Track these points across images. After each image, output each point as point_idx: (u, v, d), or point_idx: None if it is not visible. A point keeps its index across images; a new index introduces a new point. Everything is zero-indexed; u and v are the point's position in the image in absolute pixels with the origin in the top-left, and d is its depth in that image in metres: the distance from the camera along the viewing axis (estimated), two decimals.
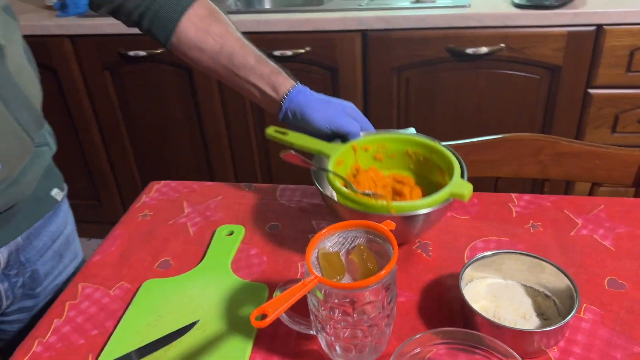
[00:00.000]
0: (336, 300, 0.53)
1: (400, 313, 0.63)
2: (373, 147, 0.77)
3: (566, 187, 1.48)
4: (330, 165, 0.71)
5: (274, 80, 0.76)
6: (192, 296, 0.67)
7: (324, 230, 0.57)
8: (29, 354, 0.62)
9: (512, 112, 1.54)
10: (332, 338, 0.56)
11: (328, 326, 0.55)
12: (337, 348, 0.57)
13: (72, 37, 1.62)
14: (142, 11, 0.77)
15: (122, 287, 0.70)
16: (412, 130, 0.95)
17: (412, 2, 1.53)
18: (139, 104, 1.72)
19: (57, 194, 0.78)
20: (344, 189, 0.67)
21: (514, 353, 0.51)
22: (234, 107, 1.68)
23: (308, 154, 0.75)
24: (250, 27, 1.53)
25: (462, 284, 0.60)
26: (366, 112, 1.60)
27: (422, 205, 0.64)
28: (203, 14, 0.77)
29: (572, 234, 0.73)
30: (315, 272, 0.53)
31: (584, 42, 1.40)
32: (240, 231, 0.78)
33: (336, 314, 0.54)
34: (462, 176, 0.69)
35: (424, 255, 0.72)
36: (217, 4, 0.81)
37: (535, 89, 1.50)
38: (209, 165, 1.81)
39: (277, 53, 1.54)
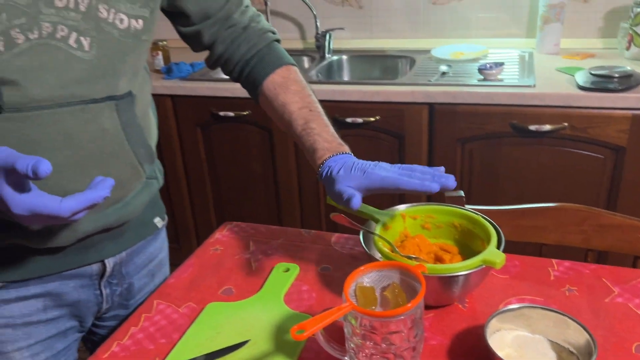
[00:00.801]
0: (367, 327, 0.61)
1: (430, 355, 0.69)
2: (421, 217, 0.86)
3: (609, 258, 1.45)
4: (377, 229, 0.80)
5: (310, 159, 0.82)
6: (247, 319, 0.77)
7: (362, 268, 0.66)
8: (108, 352, 0.74)
9: (575, 190, 1.55)
10: None
11: (360, 353, 0.62)
12: None
13: (173, 97, 1.86)
14: (240, 69, 0.91)
15: (189, 306, 0.82)
16: (461, 192, 1.03)
17: (479, 80, 1.63)
18: (223, 157, 1.91)
19: (159, 222, 0.94)
20: (387, 251, 0.75)
21: None
22: (306, 165, 1.82)
23: (361, 218, 0.85)
24: (329, 96, 1.69)
25: (489, 332, 0.66)
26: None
27: (454, 269, 0.71)
28: (278, 81, 0.88)
29: (606, 300, 0.76)
30: (351, 301, 0.61)
31: None
32: (295, 269, 0.87)
33: (367, 342, 0.61)
34: (498, 247, 0.75)
35: (460, 306, 0.77)
36: (303, 75, 0.95)
37: (600, 168, 1.52)
38: (279, 213, 1.93)
39: (349, 120, 1.68)
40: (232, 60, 0.91)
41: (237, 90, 1.76)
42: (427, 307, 0.77)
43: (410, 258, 0.76)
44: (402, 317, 0.59)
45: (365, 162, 0.75)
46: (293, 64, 0.92)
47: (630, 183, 1.50)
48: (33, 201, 0.60)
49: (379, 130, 1.69)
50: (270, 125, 1.79)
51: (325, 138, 0.81)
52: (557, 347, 0.66)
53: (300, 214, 1.91)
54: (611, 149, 1.49)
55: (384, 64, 2.06)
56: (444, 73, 1.73)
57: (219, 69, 0.95)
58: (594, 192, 1.54)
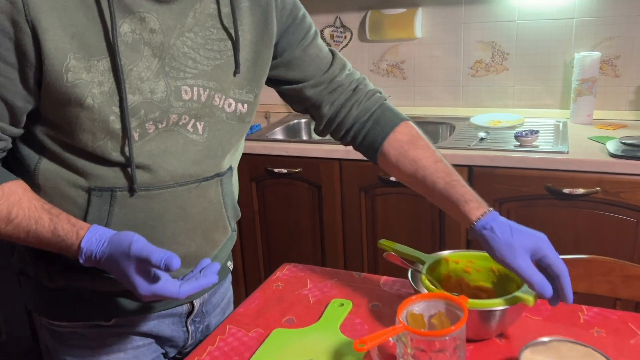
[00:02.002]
0: (417, 347, 0.72)
1: None
2: (463, 261, 0.97)
3: (636, 307, 1.49)
4: (424, 270, 0.92)
5: (461, 210, 0.84)
6: (308, 343, 0.88)
7: (413, 297, 0.78)
8: None
9: (608, 251, 1.62)
10: None
11: None
12: None
13: None
14: (355, 133, 0.94)
15: (257, 331, 0.94)
16: None
17: (515, 146, 1.76)
18: (274, 210, 2.06)
19: (230, 265, 1.07)
20: (432, 287, 0.87)
21: None
22: (351, 219, 1.95)
23: (409, 260, 0.96)
24: None
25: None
26: (469, 239, 1.78)
27: (492, 304, 0.82)
28: (404, 139, 0.91)
29: (632, 341, 0.85)
30: (403, 322, 0.73)
31: None
32: (349, 304, 0.99)
33: (413, 357, 0.72)
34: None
35: (497, 340, 0.87)
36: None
37: (633, 232, 1.59)
38: (324, 262, 2.05)
39: (392, 178, 1.82)
40: (344, 124, 0.94)
41: (290, 149, 1.95)
42: (468, 341, 0.86)
43: (453, 294, 0.87)
44: (447, 338, 0.70)
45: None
46: (408, 119, 0.95)
47: None
48: (157, 287, 0.70)
49: None
50: (319, 182, 1.95)
51: (471, 191, 0.85)
52: None
53: (344, 263, 2.02)
54: None
55: (425, 129, 2.19)
56: (482, 139, 1.86)
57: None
58: (627, 253, 1.61)
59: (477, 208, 0.83)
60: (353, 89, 0.95)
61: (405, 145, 0.91)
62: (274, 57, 0.90)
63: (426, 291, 0.88)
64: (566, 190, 1.62)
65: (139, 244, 0.68)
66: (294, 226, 2.06)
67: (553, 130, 1.92)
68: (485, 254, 0.97)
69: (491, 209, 0.83)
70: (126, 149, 0.77)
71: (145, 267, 0.69)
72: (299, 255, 2.09)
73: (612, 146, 1.63)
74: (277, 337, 0.91)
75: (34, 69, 0.70)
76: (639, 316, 0.91)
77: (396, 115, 0.95)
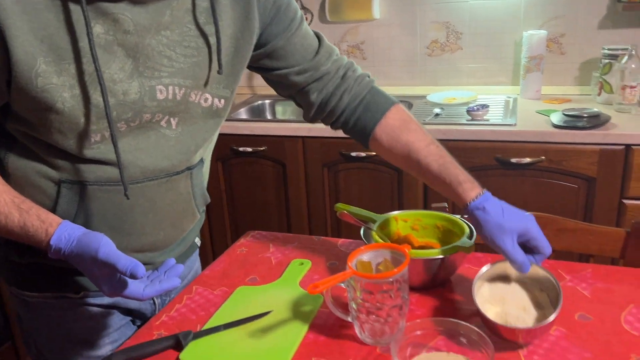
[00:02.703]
0: (365, 290, 0.79)
1: (415, 316, 0.87)
2: (411, 220, 1.05)
3: (566, 257, 1.62)
4: (375, 227, 1.00)
5: (455, 190, 0.87)
6: (270, 298, 0.95)
7: (362, 248, 0.86)
8: (159, 321, 0.93)
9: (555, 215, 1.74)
10: (362, 322, 0.82)
11: (359, 312, 0.81)
12: (366, 331, 0.82)
13: None
14: (346, 118, 0.95)
15: (222, 290, 1.01)
16: (444, 204, 1.24)
17: (467, 120, 1.86)
18: (241, 188, 2.12)
19: (198, 241, 1.11)
20: (382, 242, 0.95)
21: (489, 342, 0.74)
22: (315, 195, 2.03)
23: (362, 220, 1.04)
24: (335, 133, 1.91)
25: (476, 287, 0.82)
26: (427, 207, 1.88)
27: (434, 253, 0.90)
28: (395, 124, 0.92)
29: (561, 283, 0.95)
30: (353, 268, 0.80)
31: (615, 158, 1.63)
32: (308, 263, 1.07)
33: (365, 302, 0.80)
34: (470, 238, 0.95)
35: (441, 289, 0.96)
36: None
37: (575, 197, 1.71)
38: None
39: (353, 154, 1.90)
40: (335, 112, 0.94)
41: (255, 128, 2.00)
42: (413, 289, 0.95)
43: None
44: (391, 280, 0.79)
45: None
46: (398, 103, 0.95)
47: (601, 209, 1.69)
48: (122, 290, 0.72)
49: (380, 164, 1.90)
50: (283, 160, 2.01)
51: (464, 172, 0.87)
52: (530, 288, 0.84)
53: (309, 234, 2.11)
54: (583, 179, 1.69)
55: None
56: (437, 114, 1.96)
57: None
58: (570, 217, 1.73)
59: (470, 189, 0.85)
60: (342, 76, 0.94)
61: (397, 130, 0.92)
62: (257, 48, 0.89)
63: None
64: (514, 160, 1.73)
65: (106, 249, 0.68)
66: (260, 203, 2.12)
67: (503, 105, 2.03)
68: (431, 212, 1.06)
69: (485, 190, 0.86)
70: (96, 147, 0.77)
71: (112, 270, 0.70)
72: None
73: (555, 118, 1.74)
74: (240, 293, 0.98)
75: (3, 72, 0.70)
76: (566, 264, 1.02)
77: (386, 99, 0.95)
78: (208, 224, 2.22)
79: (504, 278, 0.86)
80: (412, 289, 0.94)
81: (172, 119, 0.81)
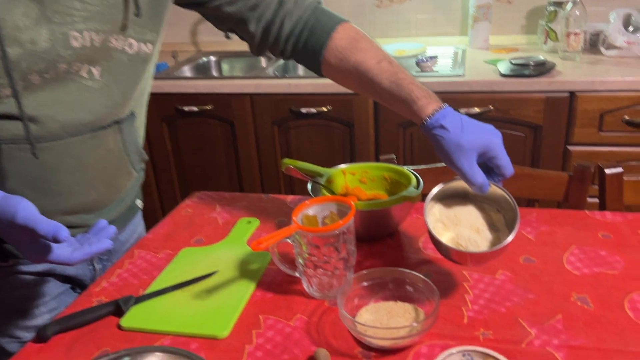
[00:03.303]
0: (311, 243, 0.77)
1: (363, 267, 0.87)
2: (359, 172, 1.03)
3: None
4: (322, 181, 0.98)
5: (410, 108, 0.78)
6: (216, 258, 0.93)
7: (307, 202, 0.83)
8: (100, 287, 0.88)
9: None
10: (310, 277, 0.80)
11: (306, 267, 0.79)
12: (314, 285, 0.81)
13: None
14: (293, 47, 0.89)
15: (166, 252, 0.97)
16: (393, 156, 1.22)
17: (416, 72, 1.84)
18: (189, 150, 2.06)
19: (140, 203, 1.05)
20: (329, 194, 0.93)
21: (433, 287, 0.74)
22: (266, 154, 1.99)
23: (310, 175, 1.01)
24: (285, 89, 1.86)
25: (428, 207, 0.78)
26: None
27: (380, 204, 0.89)
28: (342, 44, 0.85)
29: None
30: (298, 222, 0.78)
31: (560, 106, 1.65)
32: (256, 221, 1.04)
33: (311, 256, 0.78)
34: (417, 188, 0.93)
35: (390, 240, 0.95)
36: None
37: (522, 145, 1.74)
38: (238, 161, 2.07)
39: (304, 110, 1.86)
40: (279, 40, 0.89)
41: (200, 86, 1.93)
42: (361, 240, 0.94)
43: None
44: (336, 232, 0.77)
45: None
46: (346, 21, 0.89)
47: (547, 156, 1.73)
48: (48, 255, 0.66)
49: (331, 119, 1.87)
50: (231, 118, 1.95)
51: (420, 87, 0.79)
52: (485, 208, 0.80)
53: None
54: (530, 127, 1.71)
55: None
56: None
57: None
58: (519, 164, 1.76)
59: (426, 106, 0.77)
60: (279, 1, 0.88)
61: (346, 51, 0.85)
62: None
63: None
64: (463, 111, 1.73)
65: (25, 212, 0.63)
66: (209, 164, 2.06)
67: (452, 56, 2.02)
68: (378, 164, 1.04)
69: (445, 104, 0.77)
70: (7, 101, 0.71)
71: (33, 235, 0.65)
72: None
73: (503, 67, 1.75)
74: (185, 255, 0.94)
75: None
76: None
77: (331, 18, 0.88)
78: (157, 188, 2.15)
79: (459, 197, 0.81)
80: (360, 240, 0.92)
81: (93, 69, 0.75)
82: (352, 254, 0.80)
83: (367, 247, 0.93)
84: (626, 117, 1.61)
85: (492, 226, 0.79)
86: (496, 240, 0.76)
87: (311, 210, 0.83)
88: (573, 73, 1.70)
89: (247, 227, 1.02)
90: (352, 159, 1.90)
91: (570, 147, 1.69)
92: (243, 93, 1.90)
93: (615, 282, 0.80)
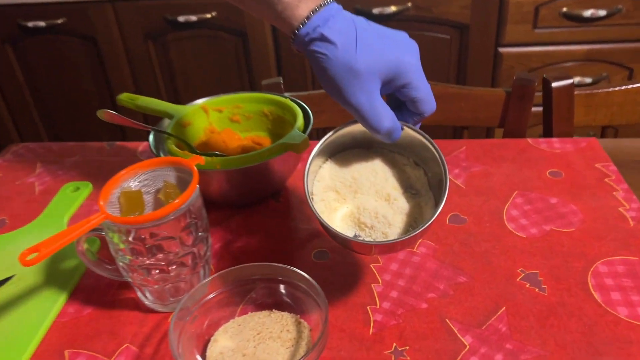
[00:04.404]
0: (133, 239, 0.49)
1: (233, 256, 0.60)
2: (228, 108, 0.74)
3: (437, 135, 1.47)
4: (169, 127, 0.67)
5: (278, 14, 0.48)
6: (14, 252, 0.63)
7: (123, 172, 0.54)
8: None
9: (426, 72, 1.51)
10: (141, 285, 0.53)
11: (133, 271, 0.52)
12: (149, 294, 0.54)
13: None
14: None
15: None
16: (279, 79, 0.92)
17: None
18: (45, 77, 1.64)
19: None
20: (180, 152, 0.63)
21: (312, 281, 0.49)
22: (143, 75, 1.62)
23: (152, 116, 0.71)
24: None
25: (311, 169, 0.50)
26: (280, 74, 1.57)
27: (251, 159, 0.61)
28: None
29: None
30: (108, 211, 0.49)
31: (489, 0, 1.39)
32: (86, 187, 0.73)
33: (137, 257, 0.50)
34: (305, 130, 0.66)
35: (273, 201, 0.69)
36: None
37: (447, 49, 1.48)
38: (124, 137, 1.74)
39: (181, 19, 1.48)
40: None
41: None
42: (234, 207, 0.67)
43: (211, 155, 0.65)
44: (172, 218, 0.49)
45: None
46: None
47: (475, 61, 1.48)
48: None
49: (218, 29, 1.51)
50: (92, 34, 1.54)
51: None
52: (398, 163, 0.53)
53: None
54: (455, 27, 1.44)
55: None
56: None
57: None
58: (444, 71, 1.51)
59: (297, 4, 0.47)
60: None
61: None
62: None
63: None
64: (376, 11, 1.42)
65: None
66: (75, 94, 1.67)
67: None
68: (256, 93, 0.75)
69: (329, 1, 0.47)
70: None
71: None
72: (90, 131, 1.74)
73: None
74: None
75: None
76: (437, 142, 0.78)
77: None
78: (15, 129, 1.75)
79: (359, 149, 0.54)
80: (231, 207, 0.66)
81: None
82: (205, 242, 0.53)
83: (241, 218, 0.66)
84: (564, 10, 1.37)
85: (408, 188, 0.53)
86: (416, 209, 0.51)
87: (134, 182, 0.54)
88: None
89: (71, 197, 0.72)
90: (250, 79, 1.58)
91: (502, 49, 1.45)
92: (101, 0, 1.49)
93: (573, 245, 0.58)
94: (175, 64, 1.59)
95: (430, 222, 0.45)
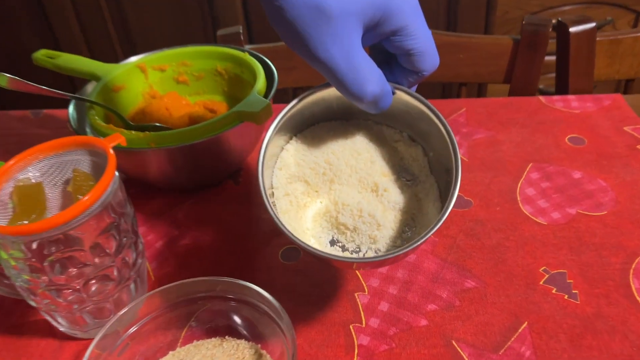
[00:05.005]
0: (27, 254, 0.36)
1: (177, 262, 0.47)
2: (172, 66, 0.59)
3: (429, 95, 1.34)
4: (94, 93, 0.53)
5: None
6: None
7: (12, 161, 0.39)
8: None
9: None
10: (48, 310, 0.40)
11: (31, 294, 0.38)
12: (60, 319, 0.41)
13: None
14: None
15: None
16: (238, 28, 0.77)
17: None
18: None
19: None
20: (104, 126, 0.49)
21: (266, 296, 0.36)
22: (94, 29, 1.44)
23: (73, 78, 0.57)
24: None
25: (267, 152, 0.35)
26: (247, 15, 1.40)
27: (193, 134, 0.47)
28: None
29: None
30: None
31: None
32: None
33: (37, 275, 0.37)
34: (267, 94, 0.51)
35: (232, 182, 0.55)
36: None
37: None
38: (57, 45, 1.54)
39: None
40: None
41: None
42: (184, 192, 0.54)
43: (147, 129, 0.51)
44: (84, 220, 0.36)
45: None
46: None
47: (467, 4, 1.33)
48: None
49: None
50: None
51: None
52: (388, 139, 0.40)
53: (86, 45, 1.54)
54: None
55: None
56: None
57: None
58: (432, 17, 1.36)
59: None
60: None
61: None
62: None
63: (91, 134, 0.52)
64: None
65: None
66: (12, 47, 1.48)
67: None
68: (208, 46, 0.60)
69: None
70: None
71: None
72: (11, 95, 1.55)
73: None
74: None
75: None
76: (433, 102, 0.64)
77: None
78: None
79: (332, 124, 0.41)
80: (180, 192, 0.53)
81: None
82: (133, 247, 0.40)
83: (190, 206, 0.53)
84: None
85: (402, 173, 0.40)
86: (413, 203, 0.38)
87: (34, 172, 0.40)
88: None
89: None
90: (212, 14, 1.39)
91: None
92: None
93: (607, 234, 0.46)
94: (129, 18, 1.40)
95: (438, 225, 0.32)
